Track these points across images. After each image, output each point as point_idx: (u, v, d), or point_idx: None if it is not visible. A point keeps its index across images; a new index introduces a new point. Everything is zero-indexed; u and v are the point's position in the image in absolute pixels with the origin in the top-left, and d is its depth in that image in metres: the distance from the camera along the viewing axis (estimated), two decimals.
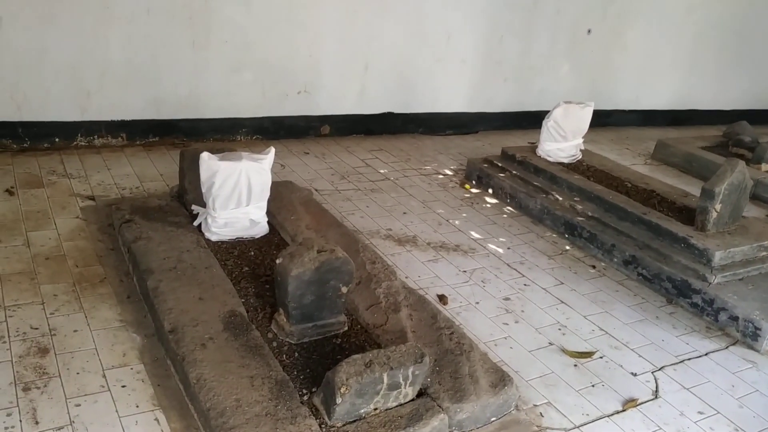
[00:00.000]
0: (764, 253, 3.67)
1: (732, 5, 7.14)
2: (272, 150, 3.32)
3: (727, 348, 3.15)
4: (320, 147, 5.21)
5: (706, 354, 3.08)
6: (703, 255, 3.49)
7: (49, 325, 2.66)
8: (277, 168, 4.62)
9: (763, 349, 3.13)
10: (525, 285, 3.49)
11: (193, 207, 3.39)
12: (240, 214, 3.27)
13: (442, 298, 3.24)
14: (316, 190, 4.37)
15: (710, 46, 7.18)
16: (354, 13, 5.20)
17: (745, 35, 7.35)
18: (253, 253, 3.20)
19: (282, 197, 3.74)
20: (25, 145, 4.42)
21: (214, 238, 3.25)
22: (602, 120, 6.70)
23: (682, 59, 7.08)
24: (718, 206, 3.60)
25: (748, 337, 3.16)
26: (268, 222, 3.41)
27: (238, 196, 3.21)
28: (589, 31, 6.34)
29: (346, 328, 2.65)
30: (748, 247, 3.60)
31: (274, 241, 3.35)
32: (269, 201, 3.40)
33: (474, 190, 4.73)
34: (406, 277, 3.38)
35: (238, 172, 3.16)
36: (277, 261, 2.50)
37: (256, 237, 3.33)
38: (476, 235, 4.00)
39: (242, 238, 3.30)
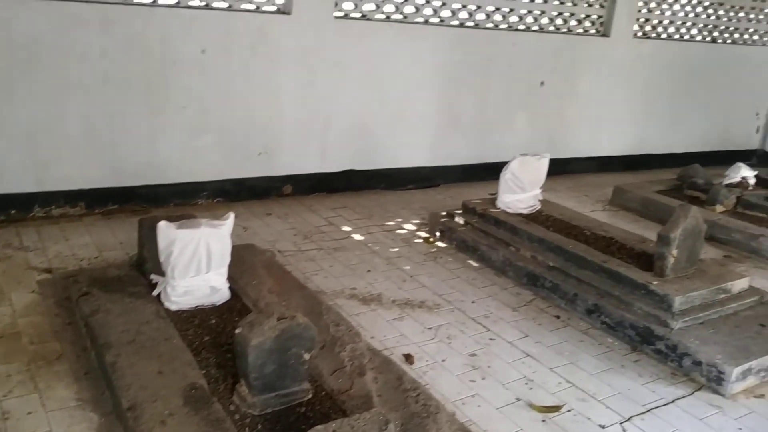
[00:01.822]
0: (723, 296, 3.72)
1: (679, 54, 7.43)
2: (232, 215, 3.31)
3: (692, 394, 3.16)
4: (283, 207, 5.21)
5: (672, 401, 3.08)
6: (664, 301, 3.53)
7: (1, 408, 2.56)
8: (239, 231, 4.60)
9: (728, 393, 3.15)
10: (491, 339, 3.48)
11: (152, 276, 3.34)
12: (200, 281, 3.23)
13: (408, 358, 3.21)
14: (279, 251, 4.35)
15: (661, 93, 7.44)
16: (311, 74, 5.28)
17: (694, 81, 7.64)
18: (214, 321, 3.15)
19: (244, 261, 3.71)
20: None
21: (174, 307, 3.20)
22: (560, 168, 6.82)
23: (634, 106, 7.31)
24: (674, 251, 3.67)
25: (713, 382, 3.18)
26: (230, 288, 3.37)
27: (197, 263, 3.17)
28: (542, 83, 6.53)
29: (310, 396, 2.60)
30: (707, 290, 3.65)
31: (236, 307, 3.30)
32: (230, 266, 3.37)
33: (438, 244, 4.76)
34: (372, 338, 3.35)
35: (196, 239, 3.14)
36: (237, 331, 2.46)
37: (218, 304, 3.28)
38: (441, 290, 4.00)
39: (203, 305, 3.25)
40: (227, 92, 4.99)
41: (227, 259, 3.30)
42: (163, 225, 3.10)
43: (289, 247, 4.46)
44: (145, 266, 3.47)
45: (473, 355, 3.31)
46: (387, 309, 3.69)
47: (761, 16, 8.08)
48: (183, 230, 3.11)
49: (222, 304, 3.30)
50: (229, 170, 5.17)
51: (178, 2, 4.73)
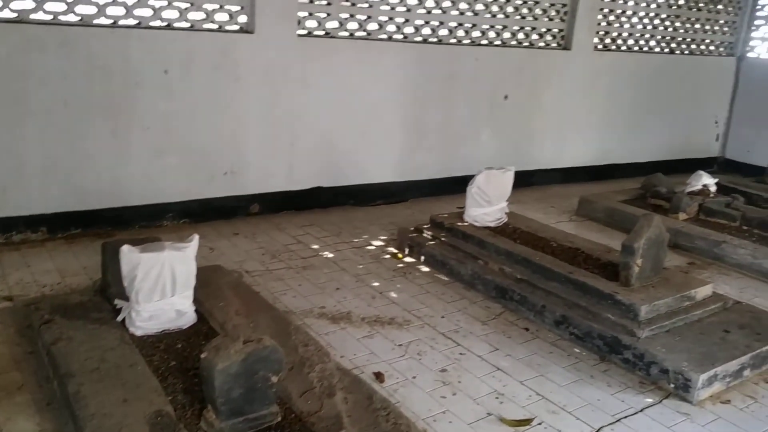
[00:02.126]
0: (687, 303, 3.78)
1: (639, 65, 7.58)
2: (196, 237, 3.28)
3: (661, 402, 3.19)
4: (250, 226, 5.17)
5: (641, 410, 3.11)
6: (630, 310, 3.57)
7: None
8: (206, 252, 4.55)
9: (695, 400, 3.19)
10: (461, 354, 3.48)
11: (116, 301, 3.29)
12: (165, 305, 3.18)
13: (378, 376, 3.20)
14: (247, 271, 4.31)
15: (622, 103, 7.57)
16: (276, 92, 5.27)
17: (654, 91, 7.79)
18: (180, 346, 3.10)
19: (210, 283, 3.67)
20: None
21: (139, 332, 3.14)
22: (527, 180, 6.90)
23: (597, 117, 7.43)
24: (639, 261, 3.72)
25: (680, 389, 3.22)
26: (196, 311, 3.33)
27: (162, 287, 3.13)
28: (506, 96, 6.60)
29: (279, 419, 2.57)
30: (672, 298, 3.71)
31: (202, 330, 3.26)
32: (196, 288, 3.33)
33: (407, 260, 4.76)
34: (342, 357, 3.33)
35: (160, 262, 3.10)
36: (202, 356, 2.43)
37: (184, 328, 3.24)
38: (410, 306, 4.00)
39: (169, 330, 3.20)
40: (191, 112, 4.95)
41: (192, 282, 3.26)
42: (126, 249, 3.05)
43: (257, 266, 4.42)
44: (109, 291, 3.41)
45: (444, 370, 3.31)
46: (356, 327, 3.68)
47: (716, 27, 8.29)
48: (146, 254, 3.07)
49: (188, 327, 3.25)
50: (194, 190, 5.12)
51: (138, 23, 4.70)
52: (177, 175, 5.01)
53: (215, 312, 3.37)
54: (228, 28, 5.05)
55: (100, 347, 2.96)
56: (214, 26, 5.00)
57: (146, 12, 4.72)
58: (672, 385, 3.25)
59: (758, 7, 8.36)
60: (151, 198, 4.94)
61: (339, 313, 3.83)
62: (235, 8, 5.04)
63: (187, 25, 4.89)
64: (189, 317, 3.27)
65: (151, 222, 4.99)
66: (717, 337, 3.54)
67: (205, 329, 3.27)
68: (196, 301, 3.35)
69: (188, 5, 4.85)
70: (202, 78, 4.93)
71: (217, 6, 4.97)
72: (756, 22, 8.40)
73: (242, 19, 5.09)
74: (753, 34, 8.45)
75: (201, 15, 4.93)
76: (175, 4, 4.81)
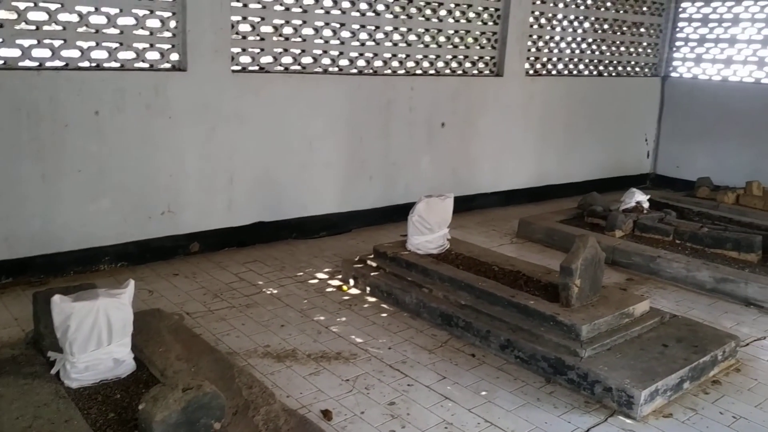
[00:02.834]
0: (626, 320, 3.87)
1: (569, 89, 7.82)
2: (131, 282, 3.18)
3: (606, 420, 3.24)
4: (190, 266, 5.07)
5: (587, 430, 3.15)
6: (572, 330, 3.63)
7: None
8: (145, 295, 4.44)
9: (639, 416, 3.25)
10: (409, 385, 3.47)
11: (50, 353, 3.16)
12: (102, 355, 3.07)
13: (326, 414, 3.15)
14: (188, 313, 4.21)
15: (555, 126, 7.78)
16: (212, 129, 5.22)
17: (585, 113, 8.04)
18: (119, 396, 3.00)
19: (149, 328, 3.57)
20: None
21: (75, 385, 3.02)
22: (467, 204, 7.01)
23: (532, 140, 7.61)
24: (578, 281, 3.79)
25: (624, 407, 3.28)
26: (135, 358, 3.23)
27: (97, 336, 3.03)
28: (443, 124, 6.70)
29: None
30: (611, 316, 3.79)
31: (142, 378, 3.16)
32: (135, 334, 3.23)
33: (352, 291, 4.74)
34: (288, 396, 3.28)
35: (95, 311, 3.00)
36: (140, 407, 2.35)
37: (123, 377, 3.13)
38: (357, 339, 3.97)
39: (107, 380, 3.09)
40: (125, 152, 4.86)
41: (130, 329, 3.16)
42: (57, 299, 2.94)
43: (199, 308, 4.33)
44: (42, 343, 3.27)
45: (392, 403, 3.29)
46: (302, 364, 3.63)
47: (640, 49, 8.64)
48: (79, 303, 2.97)
49: (127, 376, 3.15)
50: (131, 232, 5.00)
51: (66, 65, 4.60)
52: (112, 217, 4.88)
53: (155, 358, 3.28)
54: (160, 66, 5.00)
55: (32, 403, 2.84)
56: (146, 65, 4.94)
57: (74, 53, 4.63)
58: (616, 403, 3.31)
59: (678, 29, 8.76)
60: (86, 242, 4.80)
61: (284, 350, 3.77)
62: (166, 46, 4.99)
63: (116, 65, 4.81)
64: (127, 365, 3.17)
65: (86, 267, 4.84)
66: (656, 351, 3.63)
67: (145, 377, 3.17)
68: (135, 347, 3.26)
69: (117, 45, 4.78)
70: (134, 118, 4.84)
71: (147, 45, 4.92)
72: (677, 44, 8.79)
73: (174, 56, 5.04)
74: (675, 55, 8.84)
75: (131, 54, 4.86)
76: (104, 44, 4.74)
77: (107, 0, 4.66)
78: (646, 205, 6.38)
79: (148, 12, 4.87)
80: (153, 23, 4.94)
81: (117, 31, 4.76)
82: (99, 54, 4.73)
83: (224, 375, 3.12)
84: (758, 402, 3.49)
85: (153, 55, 4.96)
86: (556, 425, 3.17)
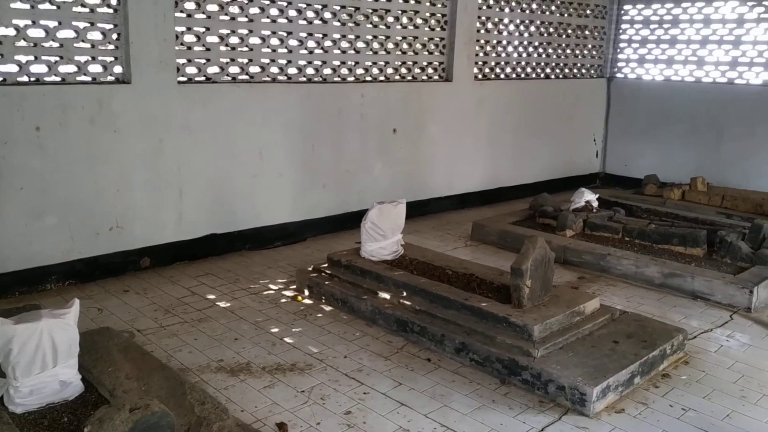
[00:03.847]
0: (578, 318, 3.93)
1: (518, 92, 7.94)
2: (76, 302, 3.11)
3: (560, 419, 3.28)
4: (141, 282, 4.97)
5: (542, 430, 3.19)
6: (524, 331, 3.67)
7: None
8: (94, 313, 4.34)
9: (592, 413, 3.30)
10: (365, 393, 3.46)
11: None
12: (47, 377, 2.99)
13: (281, 427, 3.12)
14: (138, 330, 4.12)
15: (505, 129, 7.88)
16: (159, 141, 5.14)
17: (534, 115, 8.17)
18: (66, 419, 2.92)
19: (97, 347, 3.49)
20: None
21: (19, 410, 2.94)
22: (422, 209, 7.04)
23: (484, 143, 7.69)
24: (528, 282, 3.84)
25: (577, 404, 3.32)
26: (83, 379, 3.15)
27: (42, 358, 2.95)
28: (394, 130, 6.72)
29: None
30: (563, 315, 3.84)
31: (91, 399, 3.09)
32: (82, 355, 3.16)
33: (307, 301, 4.71)
34: (242, 411, 3.24)
35: (38, 332, 2.92)
36: (85, 430, 2.29)
37: (70, 399, 3.06)
38: (312, 349, 3.94)
39: (54, 403, 3.01)
40: (69, 168, 4.74)
41: (76, 349, 3.09)
42: None
43: (150, 324, 4.24)
44: None
45: (348, 412, 3.27)
46: (257, 377, 3.58)
47: (585, 52, 8.81)
48: (21, 325, 2.89)
49: (75, 398, 3.08)
50: (78, 249, 4.88)
51: (4, 80, 4.47)
52: (58, 234, 4.76)
53: (104, 378, 3.20)
54: (103, 79, 4.90)
55: None
56: (88, 78, 4.83)
57: (12, 68, 4.51)
58: (569, 401, 3.36)
59: (621, 31, 8.97)
60: (31, 261, 4.67)
61: (238, 364, 3.72)
62: (109, 59, 4.90)
63: (58, 79, 4.70)
64: (75, 387, 3.10)
65: (32, 287, 4.70)
66: (607, 348, 3.69)
67: (94, 398, 3.11)
68: (82, 368, 3.19)
69: (58, 58, 4.67)
70: (78, 132, 4.73)
71: (89, 57, 4.82)
72: (621, 45, 9.00)
73: (117, 69, 4.95)
74: (619, 56, 9.05)
75: (73, 68, 4.76)
76: (44, 58, 4.62)
77: (45, 13, 4.56)
78: (595, 204, 6.50)
79: (88, 24, 4.77)
80: (94, 35, 4.84)
81: (57, 45, 4.66)
82: (39, 68, 4.62)
83: (176, 392, 3.07)
84: (706, 393, 3.58)
85: (95, 68, 4.86)
86: (512, 426, 3.20)
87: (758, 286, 4.73)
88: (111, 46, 4.91)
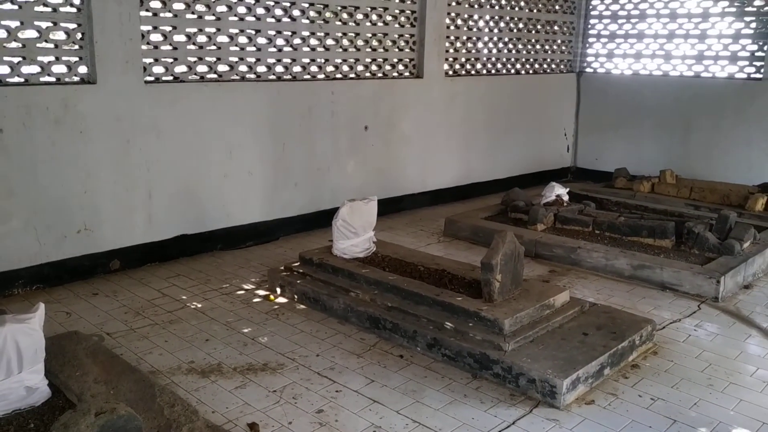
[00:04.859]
0: (548, 311, 3.96)
1: (489, 88, 7.97)
2: (41, 306, 3.06)
3: (531, 412, 3.30)
4: (110, 284, 4.91)
5: (513, 422, 3.21)
6: (495, 325, 3.69)
7: None
8: (62, 317, 4.28)
9: (562, 405, 3.33)
10: (337, 391, 3.45)
11: None
12: (12, 383, 2.94)
13: (252, 427, 3.10)
14: (108, 334, 4.07)
15: (478, 125, 7.91)
16: (126, 142, 5.07)
17: (506, 111, 8.21)
18: (33, 426, 2.89)
19: (65, 352, 3.44)
20: None
21: None
22: (395, 206, 7.05)
23: (456, 139, 7.71)
24: (498, 276, 3.86)
25: (547, 397, 3.35)
26: (50, 384, 3.11)
27: (6, 364, 2.90)
28: (366, 127, 6.71)
29: None
30: (533, 308, 3.87)
31: (58, 405, 3.05)
32: (49, 360, 3.12)
33: (279, 300, 4.69)
34: (213, 412, 3.21)
35: (2, 338, 2.87)
36: None
37: (37, 405, 3.02)
38: (284, 349, 3.93)
39: (20, 409, 2.96)
40: (34, 170, 4.66)
41: (42, 354, 3.04)
42: None
43: (119, 327, 4.19)
44: None
45: (320, 411, 3.26)
46: (228, 378, 3.56)
47: (555, 47, 8.88)
48: None
49: (42, 404, 3.04)
50: (46, 253, 4.80)
51: None
52: (24, 238, 4.68)
53: (71, 383, 3.16)
54: (68, 79, 4.83)
55: None
56: (52, 79, 4.76)
57: None
58: (540, 394, 3.38)
59: (589, 26, 9.05)
60: None
61: (209, 365, 3.70)
62: (73, 59, 4.83)
63: (20, 80, 4.62)
64: (41, 393, 3.05)
65: None
66: (577, 340, 3.73)
67: (61, 403, 3.07)
68: (49, 373, 3.14)
69: (20, 59, 4.59)
70: (42, 134, 4.66)
71: (53, 58, 4.74)
72: (590, 40, 9.09)
73: (82, 69, 4.88)
74: (588, 51, 9.13)
75: (36, 68, 4.68)
76: (6, 58, 4.54)
77: (7, 13, 4.48)
78: (566, 197, 6.56)
79: (51, 24, 4.70)
80: (58, 35, 4.77)
81: (19, 45, 4.58)
82: (1, 69, 4.53)
83: (145, 395, 3.04)
84: (675, 383, 3.63)
85: (60, 69, 4.79)
86: (483, 420, 3.22)
87: (725, 276, 4.81)
88: (75, 46, 4.84)
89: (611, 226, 5.79)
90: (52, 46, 4.74)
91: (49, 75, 4.75)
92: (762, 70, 7.54)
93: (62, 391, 3.14)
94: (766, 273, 5.42)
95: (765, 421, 3.26)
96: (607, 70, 9.00)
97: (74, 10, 4.77)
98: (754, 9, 7.56)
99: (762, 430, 3.19)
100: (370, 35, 6.64)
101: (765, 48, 7.50)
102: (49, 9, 4.65)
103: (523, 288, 4.10)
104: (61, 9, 4.72)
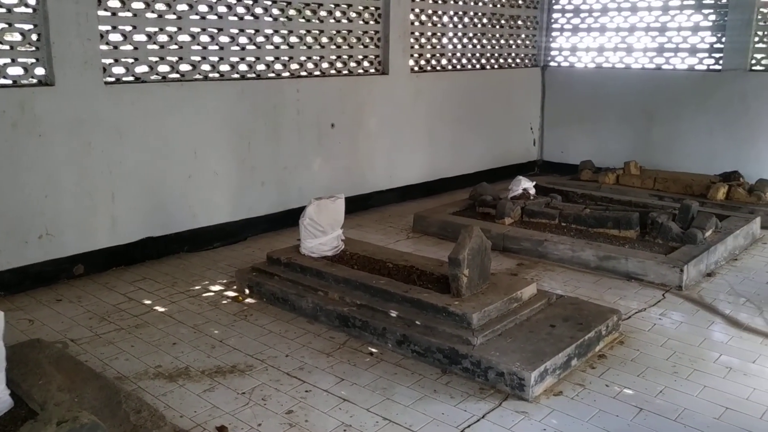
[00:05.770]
0: (515, 305, 3.99)
1: (454, 83, 8.00)
2: (1, 314, 2.98)
3: (500, 405, 3.32)
4: (75, 290, 4.82)
5: (483, 416, 3.22)
6: (463, 320, 3.71)
7: None
8: (24, 325, 4.19)
9: (531, 397, 3.35)
10: (306, 392, 3.43)
11: None
12: None
13: (221, 430, 3.07)
14: (72, 340, 4.00)
15: (443, 120, 7.93)
16: (87, 144, 4.98)
17: (472, 106, 8.25)
18: None
19: (27, 360, 3.36)
20: None
21: None
22: (363, 203, 7.04)
23: (423, 135, 7.72)
24: (466, 271, 3.88)
25: (516, 389, 3.38)
26: (12, 394, 3.04)
27: None
28: (332, 125, 6.69)
29: None
30: (501, 302, 3.89)
31: (20, 415, 2.98)
32: (10, 369, 3.05)
33: (248, 301, 4.65)
34: (181, 416, 3.18)
35: None
36: None
37: None
38: (253, 350, 3.90)
39: None
40: None
41: (3, 364, 2.98)
42: None
43: (84, 333, 4.12)
44: None
45: (290, 412, 3.24)
46: (196, 381, 3.52)
47: (519, 41, 8.94)
48: None
49: (4, 414, 2.97)
50: (6, 260, 4.70)
51: None
52: None
53: (34, 392, 3.09)
54: (24, 81, 4.72)
55: None
56: (8, 81, 4.65)
57: None
58: (509, 387, 3.41)
59: (553, 20, 9.13)
60: None
61: (176, 369, 3.65)
62: (30, 60, 4.72)
63: None
64: (3, 403, 2.99)
65: None
66: (544, 333, 3.76)
67: (24, 413, 2.99)
68: (11, 383, 3.07)
69: None
70: None
71: (8, 60, 4.64)
72: (553, 34, 9.17)
73: (39, 71, 4.77)
74: (552, 45, 9.21)
75: None
76: None
77: None
78: (532, 191, 6.61)
79: (6, 25, 4.60)
80: (13, 36, 4.66)
81: None
82: None
83: (110, 402, 2.99)
84: (641, 371, 3.68)
85: (16, 71, 4.69)
86: (453, 415, 3.23)
87: (688, 264, 4.89)
88: (31, 48, 4.73)
89: (577, 218, 5.85)
90: (7, 47, 4.64)
91: (4, 77, 4.65)
92: (721, 62, 7.68)
93: (24, 400, 3.07)
94: (728, 261, 5.52)
95: (728, 406, 3.33)
96: (571, 63, 9.10)
97: (29, 10, 4.68)
98: (712, 2, 7.69)
99: (725, 414, 3.26)
100: (334, 32, 6.62)
101: (723, 40, 7.64)
102: (3, 9, 4.55)
103: (491, 282, 4.13)
104: (16, 9, 4.62)
